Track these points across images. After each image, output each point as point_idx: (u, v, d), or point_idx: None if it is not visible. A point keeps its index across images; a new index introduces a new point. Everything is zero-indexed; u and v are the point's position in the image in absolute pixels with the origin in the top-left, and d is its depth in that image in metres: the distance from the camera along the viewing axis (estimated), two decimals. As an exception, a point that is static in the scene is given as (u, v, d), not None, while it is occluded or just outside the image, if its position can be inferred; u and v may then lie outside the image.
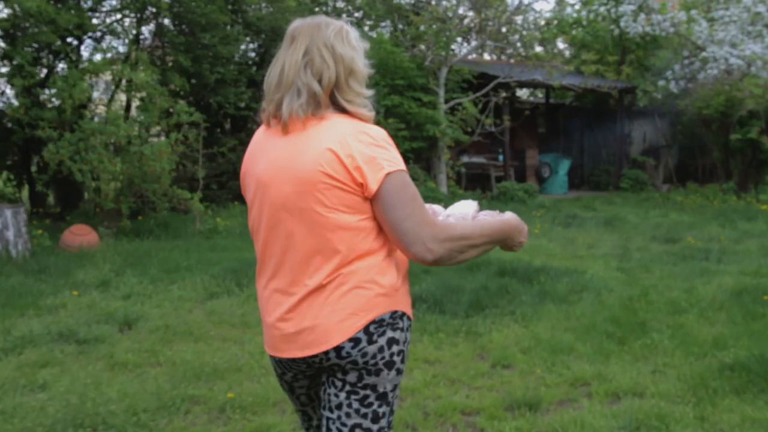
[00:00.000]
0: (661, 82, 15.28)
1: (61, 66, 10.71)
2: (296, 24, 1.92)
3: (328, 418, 1.95)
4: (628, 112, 18.05)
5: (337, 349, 1.86)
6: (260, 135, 2.00)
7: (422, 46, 13.29)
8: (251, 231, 2.02)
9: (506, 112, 14.47)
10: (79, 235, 8.44)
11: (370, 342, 1.87)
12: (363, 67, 1.93)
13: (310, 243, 1.85)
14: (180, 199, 8.97)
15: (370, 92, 1.94)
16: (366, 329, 1.86)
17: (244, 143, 13.44)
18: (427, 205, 2.03)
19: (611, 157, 17.88)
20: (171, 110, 9.91)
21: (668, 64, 16.17)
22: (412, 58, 13.53)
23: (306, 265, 1.87)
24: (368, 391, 1.91)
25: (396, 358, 1.92)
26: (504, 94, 13.52)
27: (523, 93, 22.90)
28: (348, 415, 1.92)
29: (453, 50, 13.83)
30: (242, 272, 7.07)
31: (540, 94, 20.63)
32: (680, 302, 5.92)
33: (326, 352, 1.87)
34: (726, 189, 14.34)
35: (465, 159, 16.18)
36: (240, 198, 12.40)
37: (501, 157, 16.04)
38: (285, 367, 2.01)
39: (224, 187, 12.56)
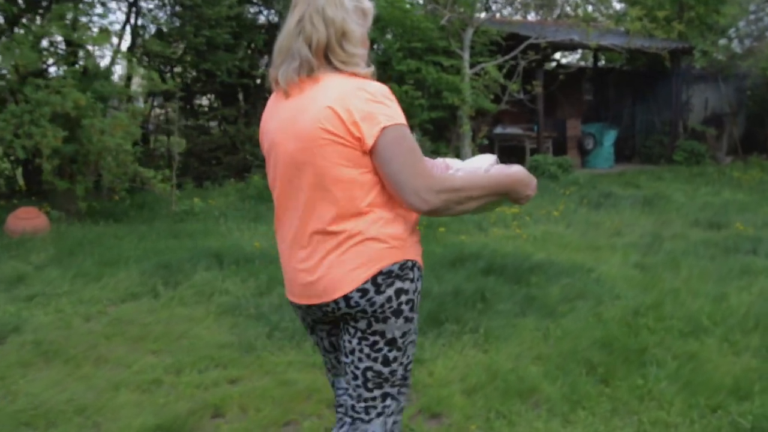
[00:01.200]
0: (723, 41, 13.40)
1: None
2: None
3: (345, 363, 2.09)
4: (687, 76, 16.15)
5: (346, 298, 1.95)
6: (272, 99, 2.10)
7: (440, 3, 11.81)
8: (270, 187, 2.12)
9: (539, 77, 12.90)
10: (24, 219, 7.50)
11: (378, 292, 1.95)
12: (356, 26, 1.96)
13: (316, 197, 1.93)
14: (145, 179, 7.92)
15: (363, 51, 1.98)
16: (374, 280, 1.94)
17: (250, 114, 12.40)
18: (441, 159, 2.11)
19: (666, 126, 16.04)
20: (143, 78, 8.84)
21: (732, 20, 14.27)
22: (432, 18, 12.11)
23: (315, 219, 1.95)
24: (377, 337, 2.00)
25: (404, 307, 1.99)
26: (535, 56, 11.95)
27: (571, 58, 21.10)
28: (360, 359, 2.03)
29: (480, 7, 12.27)
30: (177, 268, 5.99)
31: (590, 58, 18.81)
32: (701, 317, 4.51)
33: (336, 302, 1.96)
34: (793, 163, 12.45)
35: (499, 130, 14.73)
36: (239, 174, 11.35)
37: (535, 128, 14.49)
38: (304, 313, 2.13)
39: (221, 162, 11.50)
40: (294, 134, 1.94)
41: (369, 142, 1.86)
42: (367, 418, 2.07)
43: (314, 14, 1.92)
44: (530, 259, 6.08)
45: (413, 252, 2.01)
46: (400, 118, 1.90)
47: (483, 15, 12.53)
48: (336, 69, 1.95)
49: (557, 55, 20.75)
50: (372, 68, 1.99)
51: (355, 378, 2.06)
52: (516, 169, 2.04)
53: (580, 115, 16.19)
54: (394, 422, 2.11)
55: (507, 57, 12.16)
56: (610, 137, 15.18)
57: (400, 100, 2.04)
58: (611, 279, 5.60)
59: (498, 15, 13.72)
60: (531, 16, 17.87)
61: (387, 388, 2.07)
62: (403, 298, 1.98)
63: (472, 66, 12.48)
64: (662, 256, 6.45)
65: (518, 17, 14.36)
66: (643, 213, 9.05)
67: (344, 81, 1.92)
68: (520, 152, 13.89)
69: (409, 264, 1.99)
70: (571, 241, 7.19)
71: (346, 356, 2.07)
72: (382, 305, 1.95)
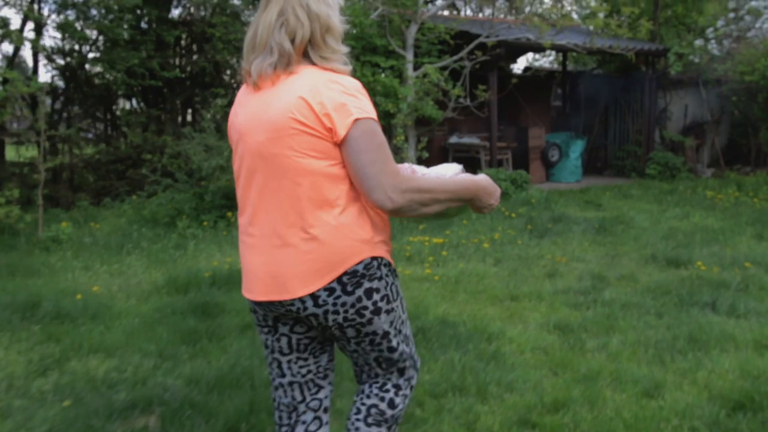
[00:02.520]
0: (699, 42, 12.03)
1: None
2: None
3: (351, 353, 2.11)
4: (664, 82, 14.78)
5: (313, 296, 1.90)
6: (242, 92, 2.06)
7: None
8: (235, 178, 2.07)
9: (491, 81, 11.49)
10: None
11: (346, 292, 1.92)
12: (339, 23, 1.97)
13: (284, 189, 1.90)
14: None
15: (346, 48, 1.99)
16: (339, 279, 1.90)
17: (165, 120, 10.99)
18: (408, 164, 2.06)
19: (640, 136, 14.66)
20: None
21: (712, 20, 12.92)
22: (367, 12, 10.70)
23: (282, 211, 1.91)
24: (372, 336, 2.02)
25: (381, 304, 1.98)
26: (482, 57, 10.52)
27: (544, 61, 19.73)
28: (366, 351, 2.07)
29: (423, 1, 10.86)
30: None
31: (560, 61, 17.43)
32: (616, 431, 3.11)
33: (302, 300, 1.92)
34: (774, 181, 11.07)
35: (454, 139, 13.33)
36: (144, 188, 9.88)
37: (495, 137, 13.08)
38: (265, 310, 2.05)
39: (123, 177, 10.05)
40: (264, 125, 1.92)
41: (341, 132, 1.85)
42: (390, 370, 2.14)
43: (297, 8, 1.90)
44: (419, 320, 4.66)
45: (380, 250, 1.98)
46: (372, 112, 1.89)
47: (429, 9, 11.04)
48: (312, 63, 1.93)
49: (526, 58, 19.43)
50: (350, 67, 1.99)
51: (368, 363, 2.11)
52: (481, 177, 2.06)
53: (546, 123, 14.81)
54: (406, 396, 2.19)
55: (455, 57, 10.74)
56: (576, 148, 13.80)
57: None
58: (516, 353, 4.19)
59: (446, 12, 12.29)
60: (488, 14, 16.48)
61: (400, 364, 2.14)
62: (376, 296, 1.96)
63: (417, 68, 11.07)
64: (597, 312, 5.04)
65: (470, 13, 12.95)
66: (595, 243, 7.65)
67: (318, 73, 1.91)
68: (476, 164, 12.51)
69: (375, 263, 1.96)
70: (490, 285, 5.78)
71: (351, 354, 2.11)
72: (353, 305, 1.93)
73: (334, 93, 1.86)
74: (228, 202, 8.49)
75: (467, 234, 7.89)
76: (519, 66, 17.41)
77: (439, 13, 11.99)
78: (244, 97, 2.05)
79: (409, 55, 11.00)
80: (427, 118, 10.93)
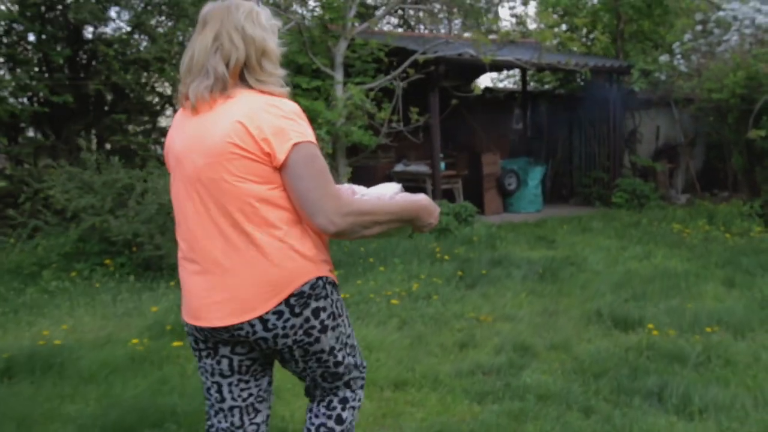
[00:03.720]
0: (663, 58, 10.86)
1: None
2: (207, 8, 1.96)
3: (301, 372, 2.12)
4: (632, 101, 13.60)
5: (262, 320, 1.91)
6: (178, 115, 2.06)
7: (296, 7, 9.15)
8: (173, 202, 2.07)
9: (433, 103, 10.23)
10: None
11: (294, 314, 1.93)
12: (275, 46, 1.98)
13: (225, 214, 1.90)
14: None
15: (282, 72, 1.99)
16: (287, 301, 1.91)
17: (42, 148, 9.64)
18: (348, 185, 2.11)
19: (609, 161, 13.43)
20: None
21: (678, 34, 11.79)
22: (290, 28, 9.46)
23: (223, 236, 1.91)
24: (319, 354, 2.03)
25: (328, 322, 2.01)
26: (416, 75, 9.27)
27: (509, 81, 18.58)
28: (312, 369, 2.09)
29: (354, 15, 9.64)
30: None
31: (522, 80, 16.27)
32: None
33: (251, 324, 1.91)
34: (748, 212, 9.79)
35: (399, 167, 12.09)
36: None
37: (443, 165, 11.82)
38: (207, 335, 2.02)
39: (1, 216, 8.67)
40: (202, 150, 1.91)
41: (280, 157, 1.85)
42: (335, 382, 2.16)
43: (233, 32, 1.91)
44: None
45: (323, 269, 1.99)
46: (311, 136, 1.90)
47: (358, 25, 9.80)
48: (249, 87, 1.93)
49: (490, 78, 18.29)
50: (288, 89, 2.00)
51: (314, 381, 2.14)
52: (421, 197, 2.09)
53: (504, 148, 13.60)
54: (354, 408, 2.22)
55: (388, 77, 9.48)
56: (536, 175, 12.56)
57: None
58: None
59: (378, 27, 11.08)
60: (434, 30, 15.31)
61: (346, 377, 2.15)
62: (323, 315, 1.98)
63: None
64: (503, 408, 3.73)
65: (425, 31, 11.77)
66: (533, 294, 6.35)
67: (256, 98, 1.91)
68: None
69: (321, 283, 1.97)
70: (376, 364, 4.43)
71: (298, 373, 2.12)
72: (302, 326, 1.94)
73: (272, 117, 1.86)
74: (108, 246, 7.13)
75: (382, 284, 6.56)
76: (482, 86, 16.21)
77: (379, 28, 10.77)
78: (181, 122, 2.03)
79: (338, 75, 9.75)
80: (357, 145, 9.64)
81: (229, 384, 2.10)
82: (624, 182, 12.49)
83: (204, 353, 2.08)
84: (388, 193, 2.09)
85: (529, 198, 12.49)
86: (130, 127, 10.42)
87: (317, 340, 1.99)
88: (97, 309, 5.88)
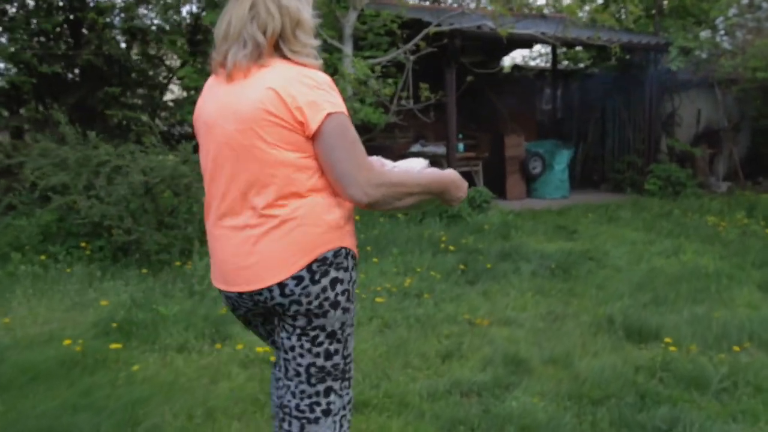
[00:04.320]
0: (705, 34, 9.93)
1: None
2: None
3: (284, 359, 2.04)
4: (670, 81, 12.65)
5: (281, 285, 1.91)
6: (210, 82, 2.05)
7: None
8: (202, 170, 2.07)
9: (449, 79, 9.47)
10: None
11: (313, 281, 1.92)
12: (309, 17, 1.97)
13: (253, 180, 1.90)
14: None
15: (317, 42, 1.98)
16: (309, 267, 1.91)
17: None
18: (376, 158, 2.07)
19: (643, 145, 12.53)
20: None
21: (722, 9, 10.82)
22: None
23: (250, 202, 1.92)
24: (317, 332, 1.98)
25: (341, 298, 1.98)
26: (427, 49, 8.52)
27: (537, 57, 17.64)
28: (302, 355, 2.00)
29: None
30: None
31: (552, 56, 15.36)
32: None
33: (270, 289, 1.92)
34: (793, 205, 8.88)
35: (416, 148, 11.36)
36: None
37: (461, 147, 11.09)
38: (234, 303, 2.06)
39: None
40: (234, 116, 1.91)
41: (313, 126, 1.85)
42: (312, 416, 2.05)
43: (269, 2, 1.91)
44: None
45: (348, 240, 2.00)
46: (343, 107, 1.89)
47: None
48: (283, 57, 1.93)
49: (517, 56, 17.40)
50: (321, 61, 1.99)
51: (298, 375, 2.04)
52: (450, 171, 2.08)
53: (531, 129, 12.77)
54: (343, 417, 2.10)
55: (399, 51, 8.75)
56: (562, 159, 11.73)
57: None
58: None
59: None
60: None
61: (330, 382, 2.05)
62: (339, 288, 1.96)
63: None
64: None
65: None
66: (541, 293, 5.65)
67: (290, 68, 1.91)
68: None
69: (343, 252, 1.97)
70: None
71: (286, 353, 2.03)
72: (317, 296, 1.93)
73: (306, 87, 1.86)
74: (92, 228, 6.56)
75: (372, 278, 5.91)
76: (512, 64, 15.35)
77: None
78: (212, 88, 2.03)
79: (347, 48, 9.06)
80: (367, 124, 8.96)
81: (272, 342, 2.19)
82: (658, 168, 11.61)
83: (240, 319, 2.17)
84: (416, 167, 2.09)
85: (554, 183, 11.69)
86: (132, 102, 9.87)
87: (325, 314, 1.96)
88: (54, 299, 5.34)
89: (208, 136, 2.01)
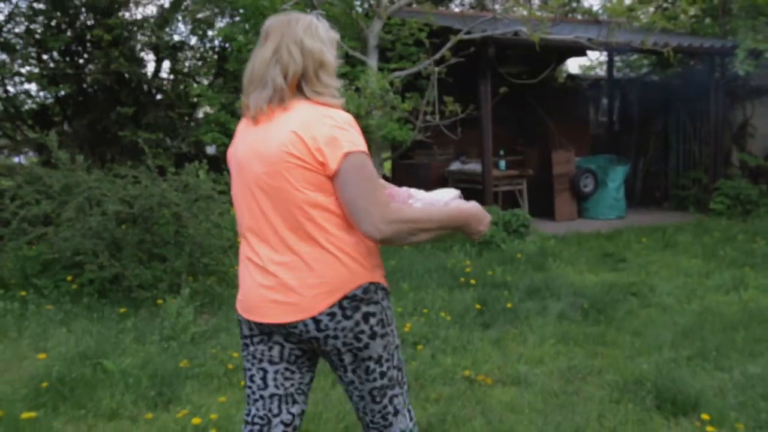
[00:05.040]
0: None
1: None
2: (269, 21, 2.05)
3: (346, 390, 2.17)
4: (740, 89, 11.49)
5: (315, 320, 1.98)
6: (242, 124, 2.14)
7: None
8: (234, 207, 2.15)
9: (483, 91, 8.66)
10: None
11: (345, 316, 1.98)
12: (332, 58, 2.04)
13: (281, 219, 1.98)
14: None
15: (339, 83, 2.06)
16: (340, 304, 1.97)
17: None
18: (405, 189, 2.19)
19: (709, 159, 11.38)
20: None
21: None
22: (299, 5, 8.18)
23: (280, 239, 1.99)
24: (366, 362, 2.07)
25: (377, 328, 2.04)
26: (455, 59, 7.73)
27: (597, 66, 16.59)
28: (361, 383, 2.11)
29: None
30: None
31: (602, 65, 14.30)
32: None
33: (305, 323, 1.99)
34: None
35: (455, 166, 10.59)
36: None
37: (503, 164, 10.25)
38: (261, 327, 2.10)
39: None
40: (261, 159, 1.98)
41: (332, 166, 1.90)
42: (386, 422, 2.15)
43: (291, 44, 1.96)
44: None
45: (377, 274, 2.05)
46: (362, 145, 1.94)
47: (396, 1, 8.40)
48: (306, 98, 1.99)
49: (574, 65, 16.38)
50: (343, 100, 2.04)
51: (362, 399, 2.14)
52: (470, 205, 2.11)
53: (583, 143, 11.79)
54: (408, 409, 2.22)
55: (422, 64, 8.02)
56: (616, 175, 10.72)
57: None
58: None
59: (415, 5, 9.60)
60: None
61: (390, 392, 2.15)
62: (373, 320, 2.02)
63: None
64: None
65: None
66: (564, 341, 4.79)
67: (312, 108, 1.97)
68: (479, 197, 9.68)
69: (372, 287, 2.02)
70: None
71: (347, 385, 2.13)
72: (352, 329, 1.99)
73: (326, 127, 1.91)
74: (71, 261, 6.02)
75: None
76: (565, 73, 14.40)
77: (418, 6, 9.31)
78: (243, 130, 2.11)
79: (372, 60, 8.39)
80: (391, 141, 8.26)
81: (275, 371, 2.15)
82: (726, 185, 10.46)
83: (257, 339, 2.15)
84: (443, 200, 2.12)
85: (608, 202, 10.68)
86: (149, 122, 9.44)
87: (366, 346, 2.03)
88: (6, 346, 4.79)
89: (239, 176, 2.08)
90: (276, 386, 2.16)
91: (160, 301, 5.45)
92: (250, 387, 2.20)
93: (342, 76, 8.05)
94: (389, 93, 7.37)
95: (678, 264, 7.20)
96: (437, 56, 7.91)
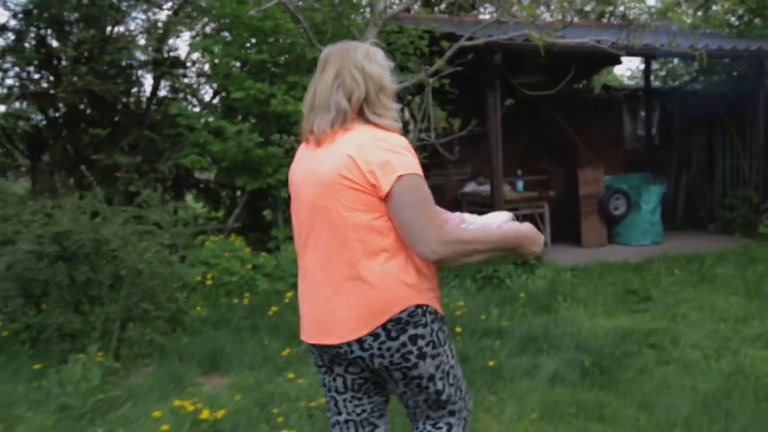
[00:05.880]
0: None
1: None
2: (327, 50, 2.14)
3: (400, 395, 2.20)
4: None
5: (359, 341, 2.01)
6: (301, 149, 2.21)
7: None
8: (293, 229, 2.23)
9: (491, 103, 7.70)
10: None
11: (390, 338, 2.00)
12: (390, 83, 2.11)
13: (334, 240, 2.02)
14: None
15: (398, 105, 2.13)
16: (384, 326, 1.99)
17: None
18: (458, 214, 2.22)
19: (759, 175, 10.15)
20: None
21: None
22: (304, 12, 7.40)
23: (332, 261, 2.03)
24: (418, 380, 2.09)
25: (426, 349, 2.05)
26: (449, 69, 6.80)
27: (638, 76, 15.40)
28: (414, 394, 2.15)
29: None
30: None
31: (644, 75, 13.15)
32: None
33: (349, 344, 2.02)
34: None
35: (470, 187, 9.64)
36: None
37: (520, 185, 9.26)
38: (320, 351, 2.16)
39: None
40: (316, 180, 2.03)
41: (385, 189, 1.93)
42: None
43: (353, 69, 2.04)
44: None
45: (426, 297, 2.05)
46: (416, 168, 1.98)
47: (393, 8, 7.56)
48: (367, 121, 2.05)
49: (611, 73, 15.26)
50: (401, 123, 2.10)
51: (418, 406, 2.19)
52: (523, 226, 2.14)
53: (616, 160, 10.70)
54: (467, 413, 2.28)
55: (416, 75, 7.13)
56: (651, 196, 9.59)
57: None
58: None
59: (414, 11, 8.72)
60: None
61: (450, 407, 2.20)
62: (421, 342, 2.02)
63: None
64: None
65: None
66: (546, 420, 3.81)
67: (368, 132, 2.01)
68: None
69: (420, 310, 2.02)
70: None
71: (401, 396, 2.19)
72: (398, 350, 2.00)
73: (380, 150, 1.95)
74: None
75: (311, 385, 4.28)
76: (601, 83, 13.28)
77: (415, 12, 8.43)
78: (302, 154, 2.17)
79: (365, 72, 7.52)
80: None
81: (344, 400, 2.22)
82: (778, 206, 9.24)
83: (322, 369, 2.22)
84: (495, 222, 2.13)
85: (642, 226, 9.56)
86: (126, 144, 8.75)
87: (415, 365, 2.04)
88: None
89: (297, 199, 2.15)
90: (348, 413, 2.23)
91: (81, 355, 4.66)
92: (328, 411, 2.30)
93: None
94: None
95: (713, 304, 6.11)
96: (435, 67, 7.01)
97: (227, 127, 7.10)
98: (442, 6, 13.60)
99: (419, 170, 1.98)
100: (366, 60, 2.06)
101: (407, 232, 1.94)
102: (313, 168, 2.06)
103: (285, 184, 7.11)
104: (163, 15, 10.18)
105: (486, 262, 2.10)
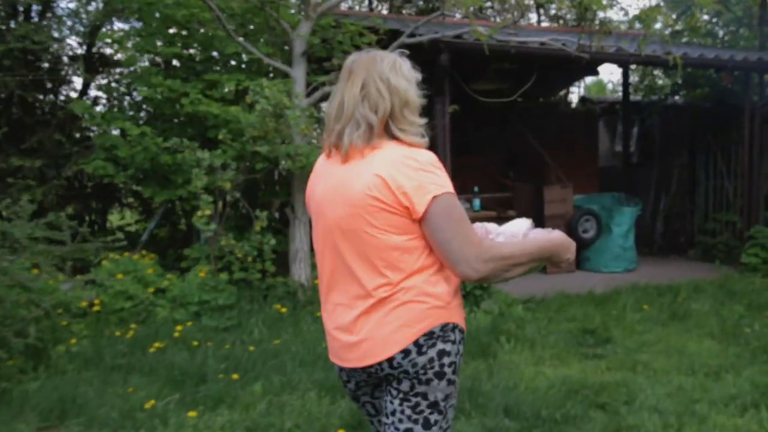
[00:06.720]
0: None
1: None
2: (353, 58, 2.02)
3: (384, 424, 2.05)
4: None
5: (390, 360, 1.93)
6: (321, 163, 2.10)
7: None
8: (315, 249, 2.11)
9: (439, 110, 6.75)
10: None
11: (420, 353, 1.93)
12: (416, 97, 2.00)
13: (362, 261, 1.94)
14: None
15: (423, 120, 2.00)
16: (416, 341, 1.92)
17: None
18: (480, 224, 2.13)
19: (743, 199, 9.25)
20: None
21: None
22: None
23: (360, 282, 1.94)
24: (419, 399, 1.96)
25: (447, 369, 1.96)
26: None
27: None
28: (401, 420, 1.99)
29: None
30: None
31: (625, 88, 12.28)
32: None
33: (380, 363, 1.94)
34: None
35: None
36: None
37: (477, 203, 8.34)
38: (349, 376, 2.08)
39: None
40: (344, 200, 1.95)
41: (419, 210, 1.87)
42: None
43: (379, 82, 1.93)
44: None
45: (456, 315, 2.00)
46: (448, 186, 1.90)
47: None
48: (393, 137, 1.96)
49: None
50: (427, 139, 2.00)
51: None
52: (556, 235, 2.08)
53: (590, 178, 9.80)
54: None
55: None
56: (623, 218, 8.67)
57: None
58: None
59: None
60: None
61: None
62: (446, 360, 1.96)
63: (312, 90, 6.65)
64: None
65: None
66: None
67: (395, 150, 1.93)
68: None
69: (450, 326, 1.97)
70: None
71: (387, 417, 2.04)
72: (423, 366, 1.93)
73: (410, 170, 1.87)
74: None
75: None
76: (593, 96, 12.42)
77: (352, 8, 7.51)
78: (323, 168, 2.06)
79: (298, 70, 6.59)
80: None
81: (378, 421, 2.15)
82: (762, 233, 8.33)
83: (350, 395, 2.15)
84: (520, 231, 2.08)
85: (613, 251, 8.62)
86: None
87: (428, 381, 1.94)
88: None
89: (319, 217, 2.03)
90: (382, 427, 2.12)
91: None
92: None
93: (243, 90, 6.39)
94: (294, 110, 5.54)
95: (682, 348, 5.17)
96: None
97: (130, 128, 6.15)
98: (412, 10, 12.71)
99: (451, 188, 1.89)
100: (392, 72, 1.94)
101: (446, 253, 1.88)
102: (341, 187, 1.96)
103: (196, 196, 6.17)
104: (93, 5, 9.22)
105: (522, 275, 2.00)
